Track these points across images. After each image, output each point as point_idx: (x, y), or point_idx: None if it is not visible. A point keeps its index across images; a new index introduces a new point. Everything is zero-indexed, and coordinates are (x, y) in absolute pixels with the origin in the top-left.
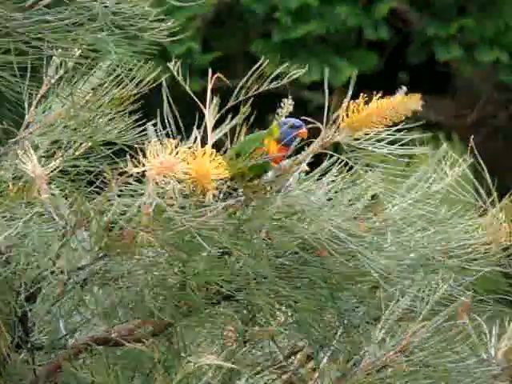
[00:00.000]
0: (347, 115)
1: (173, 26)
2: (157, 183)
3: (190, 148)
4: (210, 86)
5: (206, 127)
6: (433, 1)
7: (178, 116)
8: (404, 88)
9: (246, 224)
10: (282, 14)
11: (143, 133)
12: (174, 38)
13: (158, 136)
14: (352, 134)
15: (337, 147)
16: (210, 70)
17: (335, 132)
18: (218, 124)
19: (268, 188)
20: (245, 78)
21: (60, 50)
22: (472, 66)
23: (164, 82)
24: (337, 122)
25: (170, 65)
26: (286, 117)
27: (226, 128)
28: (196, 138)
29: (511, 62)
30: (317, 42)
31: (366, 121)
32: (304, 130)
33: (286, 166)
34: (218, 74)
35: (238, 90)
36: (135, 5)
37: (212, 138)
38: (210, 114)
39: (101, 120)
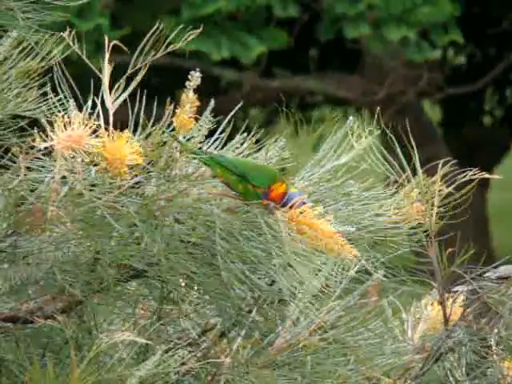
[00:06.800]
0: None
1: None
2: (65, 158)
3: (90, 118)
4: (107, 56)
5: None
6: None
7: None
8: None
9: (160, 210)
10: None
11: (52, 106)
12: (80, 2)
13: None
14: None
15: None
16: (109, 44)
17: None
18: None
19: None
20: (141, 50)
21: None
22: (380, 44)
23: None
24: None
25: (64, 34)
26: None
27: (124, 95)
28: (95, 106)
29: (418, 40)
30: (226, 20)
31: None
32: (307, 204)
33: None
34: (116, 43)
35: (134, 59)
36: None
37: (112, 107)
38: (107, 81)
39: (9, 93)
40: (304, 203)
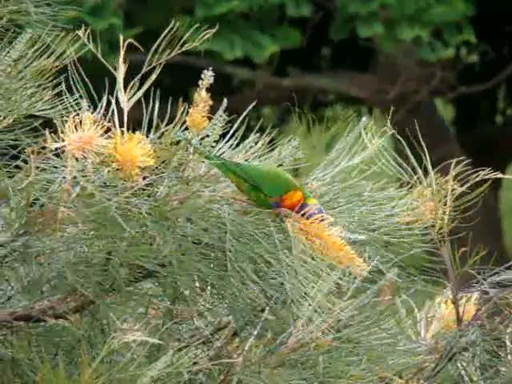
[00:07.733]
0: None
1: None
2: (76, 159)
3: (104, 119)
4: (122, 53)
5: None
6: None
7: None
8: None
9: (172, 211)
10: None
11: (66, 106)
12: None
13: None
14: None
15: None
16: (124, 43)
17: None
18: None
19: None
20: (155, 49)
21: None
22: (393, 43)
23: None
24: None
25: (79, 32)
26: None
27: (139, 94)
28: (109, 105)
29: (431, 39)
30: (239, 19)
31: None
32: (324, 216)
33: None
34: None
35: (149, 57)
36: None
37: (127, 106)
38: (122, 80)
39: (24, 93)
40: (320, 212)
